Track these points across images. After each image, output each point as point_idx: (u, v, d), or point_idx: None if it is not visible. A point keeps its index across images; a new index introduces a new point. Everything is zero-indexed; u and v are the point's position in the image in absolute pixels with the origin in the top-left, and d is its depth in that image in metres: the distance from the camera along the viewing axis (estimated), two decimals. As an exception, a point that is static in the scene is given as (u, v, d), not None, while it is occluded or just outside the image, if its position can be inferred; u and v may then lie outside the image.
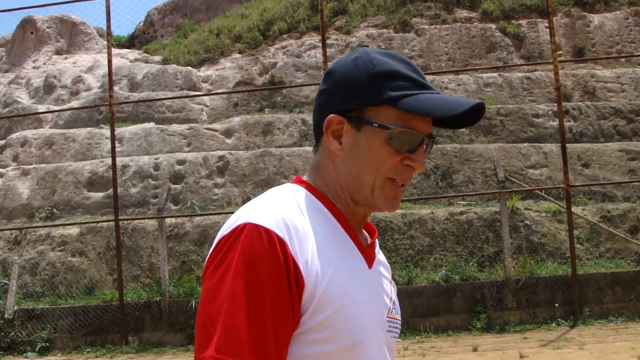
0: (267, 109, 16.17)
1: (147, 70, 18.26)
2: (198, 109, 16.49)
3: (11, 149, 15.63)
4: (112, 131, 11.02)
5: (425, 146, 1.45)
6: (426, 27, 17.45)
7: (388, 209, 1.47)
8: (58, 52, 21.04)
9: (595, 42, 16.54)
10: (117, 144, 14.98)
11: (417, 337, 9.67)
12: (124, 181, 13.39)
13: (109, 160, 13.96)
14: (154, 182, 13.36)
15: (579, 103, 14.21)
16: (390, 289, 1.56)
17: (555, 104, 14.25)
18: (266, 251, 1.28)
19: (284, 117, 15.00)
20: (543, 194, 11.39)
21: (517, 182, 11.77)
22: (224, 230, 1.35)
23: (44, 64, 20.48)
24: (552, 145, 12.78)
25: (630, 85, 15.09)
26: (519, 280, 9.84)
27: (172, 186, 13.18)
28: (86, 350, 10.34)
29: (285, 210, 1.36)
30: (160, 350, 10.05)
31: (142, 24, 23.62)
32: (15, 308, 10.76)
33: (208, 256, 1.36)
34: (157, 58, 19.97)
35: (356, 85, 1.42)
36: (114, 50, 21.49)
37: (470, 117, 1.44)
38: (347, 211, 1.48)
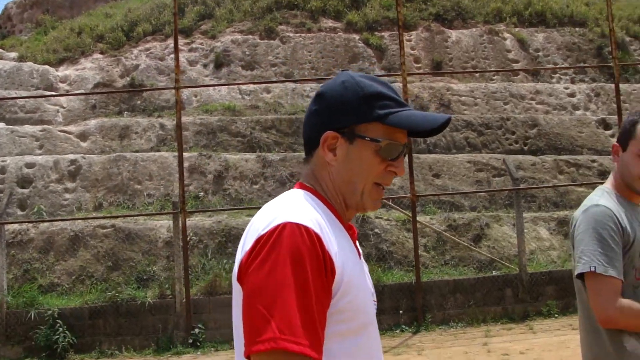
0: (126, 112, 15.74)
1: (0, 67, 17.36)
2: (54, 110, 15.83)
3: None
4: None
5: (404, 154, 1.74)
6: (291, 35, 17.56)
7: (374, 209, 1.74)
8: None
9: (452, 57, 17.18)
10: (-38, 145, 14.18)
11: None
12: (-33, 184, 12.65)
13: (-50, 162, 13.19)
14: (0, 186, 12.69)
15: (434, 115, 14.69)
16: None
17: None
18: (308, 246, 1.49)
19: (142, 121, 14.65)
20: (390, 203, 11.68)
21: None
22: (261, 230, 1.53)
23: None
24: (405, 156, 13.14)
25: (483, 100, 15.77)
26: (366, 288, 10.02)
27: (20, 190, 12.58)
28: None
29: (312, 211, 1.59)
30: (-5, 365, 9.55)
31: (-2, 18, 22.47)
32: None
33: (246, 252, 1.53)
34: (13, 54, 19.00)
35: (348, 106, 1.67)
36: (-33, 45, 20.34)
37: (438, 128, 1.70)
38: (342, 213, 1.72)
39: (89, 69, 17.44)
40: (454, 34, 17.56)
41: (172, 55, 17.59)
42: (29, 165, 12.91)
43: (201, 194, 12.58)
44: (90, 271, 10.88)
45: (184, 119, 14.79)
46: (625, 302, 2.57)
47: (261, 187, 12.77)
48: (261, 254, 1.49)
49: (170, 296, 10.01)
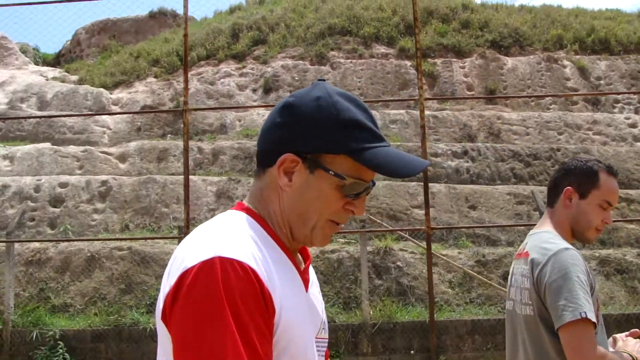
0: (169, 135, 15.76)
1: (58, 89, 17.77)
2: (100, 131, 16.02)
3: None
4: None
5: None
6: (342, 60, 17.25)
7: (322, 245, 1.55)
8: (-26, 67, 20.45)
9: (507, 85, 16.44)
10: (8, 163, 14.49)
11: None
12: (2, 202, 12.83)
13: (-10, 180, 13.45)
14: (32, 204, 12.81)
15: (479, 144, 14.01)
16: (321, 310, 1.62)
17: (458, 144, 14.08)
18: (245, 284, 1.30)
19: (180, 144, 14.56)
20: (407, 235, 11.08)
21: (377, 221, 11.44)
22: (187, 263, 1.33)
23: (-42, 77, 19.87)
24: (441, 186, 12.52)
25: (535, 129, 14.96)
26: (375, 324, 9.44)
27: (51, 210, 12.66)
28: None
29: (247, 242, 1.39)
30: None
31: (69, 42, 23.15)
32: None
33: (171, 289, 1.32)
34: (74, 78, 19.49)
35: (319, 130, 1.45)
36: (33, 67, 21.04)
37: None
38: (287, 242, 1.53)
39: (141, 92, 17.62)
40: (510, 61, 16.83)
41: (223, 80, 17.74)
42: (62, 185, 12.99)
43: (227, 219, 12.30)
44: (103, 293, 10.74)
45: (223, 143, 14.69)
46: (601, 349, 2.44)
47: (288, 214, 12.40)
48: (187, 293, 1.29)
49: (174, 323, 9.70)
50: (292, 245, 1.55)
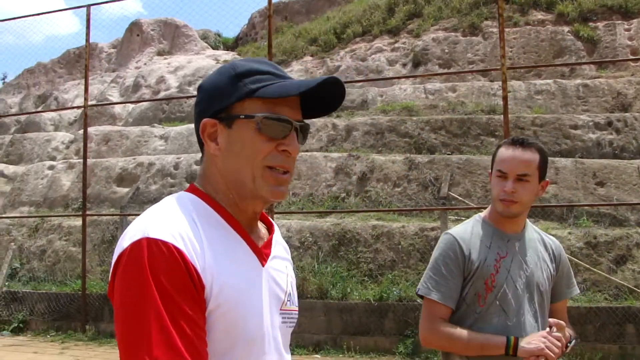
0: (312, 112, 16.01)
1: (201, 66, 18.79)
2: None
3: (76, 144, 16.82)
4: (85, 131, 11.53)
5: (296, 131, 1.58)
6: (495, 30, 16.39)
7: (274, 197, 1.57)
8: (160, 53, 22.22)
9: (679, 47, 14.66)
10: (163, 142, 15.67)
11: (340, 355, 9.18)
12: (147, 178, 13.93)
13: (141, 158, 14.64)
14: (171, 181, 13.77)
15: (627, 114, 12.67)
16: (287, 282, 1.67)
17: (602, 114, 12.87)
18: (169, 262, 1.39)
19: (316, 122, 14.77)
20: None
21: (458, 198, 10.74)
22: (123, 244, 1.45)
23: (145, 64, 21.74)
24: (567, 161, 11.52)
25: None
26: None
27: (187, 185, 13.50)
28: (50, 334, 10.93)
29: (179, 222, 1.47)
30: (106, 341, 10.39)
31: (245, 26, 24.30)
32: (3, 289, 11.60)
33: (112, 267, 1.46)
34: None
35: (221, 89, 1.57)
36: (210, 52, 22.41)
37: (332, 99, 1.63)
38: (236, 211, 1.59)
39: (295, 71, 18.06)
40: (686, 20, 14.96)
41: (374, 56, 17.65)
42: (198, 163, 13.77)
43: (342, 194, 12.33)
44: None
45: (357, 119, 14.66)
46: (446, 326, 2.67)
47: (403, 190, 12.13)
48: (123, 273, 1.41)
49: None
50: (244, 210, 1.59)
